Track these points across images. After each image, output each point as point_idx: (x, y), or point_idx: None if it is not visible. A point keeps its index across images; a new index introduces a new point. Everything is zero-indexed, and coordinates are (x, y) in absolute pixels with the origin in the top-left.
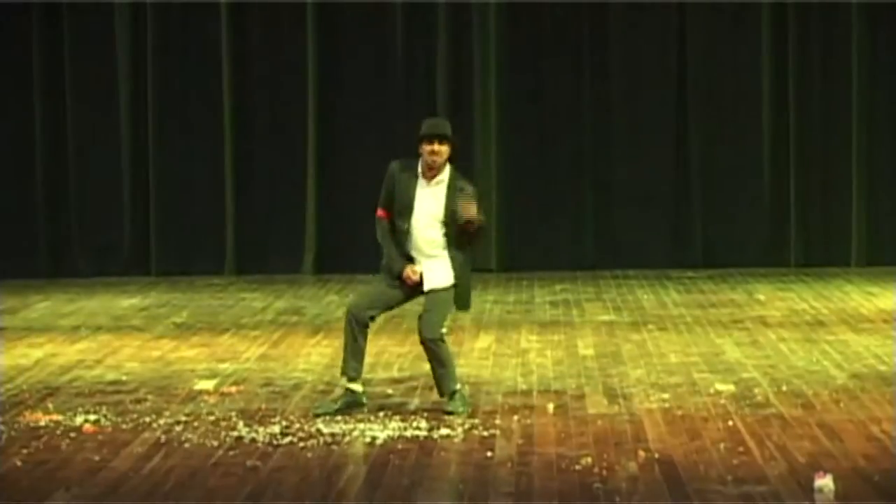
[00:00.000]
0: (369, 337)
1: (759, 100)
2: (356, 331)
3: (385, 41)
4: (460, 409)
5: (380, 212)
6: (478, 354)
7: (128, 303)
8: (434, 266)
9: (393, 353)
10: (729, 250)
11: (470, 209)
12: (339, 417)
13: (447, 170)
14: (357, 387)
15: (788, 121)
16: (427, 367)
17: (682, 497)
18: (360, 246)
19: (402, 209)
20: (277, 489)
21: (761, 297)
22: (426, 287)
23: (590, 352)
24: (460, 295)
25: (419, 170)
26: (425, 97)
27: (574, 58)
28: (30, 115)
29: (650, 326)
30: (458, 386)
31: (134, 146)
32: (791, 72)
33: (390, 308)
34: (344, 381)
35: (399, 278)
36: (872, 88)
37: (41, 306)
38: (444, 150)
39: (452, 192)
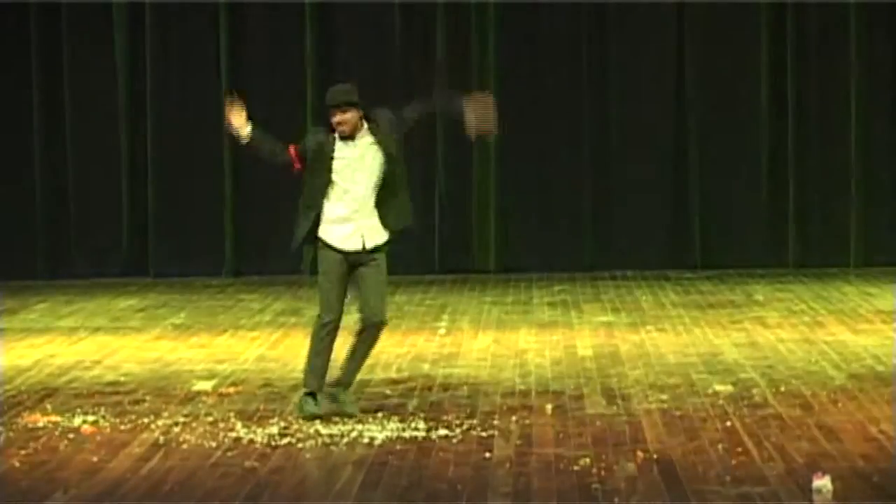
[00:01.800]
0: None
1: (757, 101)
2: (329, 339)
3: (383, 42)
4: (353, 409)
5: (291, 147)
6: (476, 355)
7: (126, 304)
8: (371, 224)
9: (391, 354)
10: (727, 251)
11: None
12: (336, 418)
13: (365, 128)
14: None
15: (787, 122)
16: (426, 367)
17: (680, 497)
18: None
19: (323, 174)
20: (276, 490)
21: (759, 298)
22: (368, 245)
23: (588, 352)
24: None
25: (335, 138)
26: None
27: (572, 60)
28: (28, 117)
29: (648, 327)
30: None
31: (132, 147)
32: (790, 73)
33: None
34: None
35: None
36: (870, 90)
37: (40, 307)
38: (351, 117)
39: (378, 141)
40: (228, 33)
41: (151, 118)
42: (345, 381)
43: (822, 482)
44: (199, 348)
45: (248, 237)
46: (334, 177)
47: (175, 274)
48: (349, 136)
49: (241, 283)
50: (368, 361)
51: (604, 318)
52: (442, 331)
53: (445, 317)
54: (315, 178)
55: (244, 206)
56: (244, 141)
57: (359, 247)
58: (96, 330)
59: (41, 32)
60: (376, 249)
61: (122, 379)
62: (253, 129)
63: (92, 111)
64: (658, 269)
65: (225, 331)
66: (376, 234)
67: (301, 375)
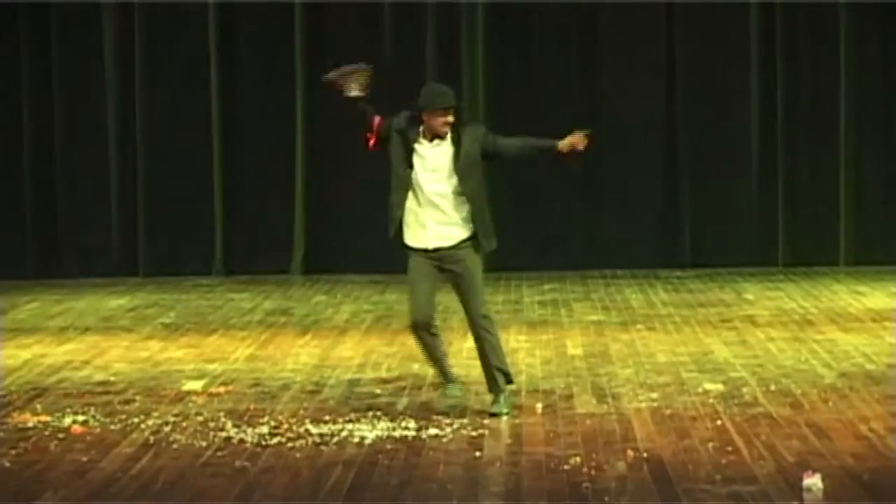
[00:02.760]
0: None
1: (747, 101)
2: (425, 338)
3: (373, 41)
4: (504, 410)
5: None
6: (467, 354)
7: (116, 303)
8: (439, 225)
9: (381, 354)
10: (717, 250)
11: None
12: (327, 417)
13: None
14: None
15: (777, 122)
16: (415, 367)
17: (670, 496)
18: (348, 246)
19: (403, 163)
20: (266, 489)
21: (750, 297)
22: (432, 246)
23: (578, 351)
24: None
25: (420, 132)
26: (413, 97)
27: (562, 59)
28: (18, 116)
29: (639, 326)
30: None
31: (122, 147)
32: (779, 73)
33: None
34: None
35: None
36: (860, 89)
37: (29, 307)
38: (452, 119)
39: (463, 142)
40: (218, 33)
41: (141, 118)
42: (492, 388)
43: (813, 480)
44: (189, 348)
45: (238, 237)
46: (414, 171)
47: (165, 273)
48: (438, 136)
49: (231, 282)
50: (358, 360)
51: (594, 318)
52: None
53: (435, 316)
54: (398, 166)
55: (234, 206)
56: (349, 95)
57: (427, 245)
58: (86, 330)
59: (30, 33)
60: (456, 248)
61: (112, 379)
62: (360, 100)
63: (81, 111)
64: (648, 269)
65: (215, 330)
66: (447, 238)
67: (290, 375)
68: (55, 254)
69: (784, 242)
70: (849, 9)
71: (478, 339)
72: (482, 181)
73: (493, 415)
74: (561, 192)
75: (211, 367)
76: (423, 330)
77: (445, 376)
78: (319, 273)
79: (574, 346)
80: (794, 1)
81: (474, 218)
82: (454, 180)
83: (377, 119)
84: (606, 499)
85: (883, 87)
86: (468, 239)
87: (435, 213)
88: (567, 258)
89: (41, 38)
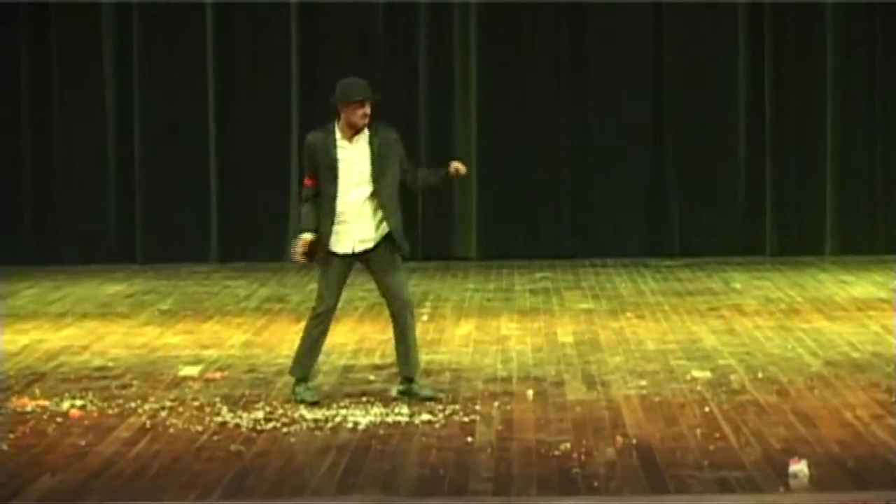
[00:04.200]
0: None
1: (735, 91)
2: (321, 328)
3: (366, 40)
4: (432, 393)
5: (306, 180)
6: (458, 342)
7: (113, 290)
8: (364, 227)
9: (374, 341)
10: (705, 239)
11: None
12: (321, 403)
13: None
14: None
15: (764, 112)
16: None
17: (658, 482)
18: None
19: (328, 173)
20: (261, 473)
21: (737, 286)
22: (366, 245)
23: (569, 339)
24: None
25: (336, 132)
26: (405, 94)
27: (552, 53)
28: (16, 104)
29: (628, 314)
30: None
31: (119, 134)
32: (767, 65)
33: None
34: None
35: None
36: (846, 82)
37: (28, 293)
38: (369, 111)
39: (378, 142)
40: (215, 31)
41: (138, 106)
42: (412, 372)
43: (799, 467)
44: (185, 334)
45: (234, 224)
46: (338, 179)
47: (162, 260)
48: (357, 132)
49: (227, 269)
50: (353, 347)
51: (584, 306)
52: (424, 317)
53: (428, 304)
54: (326, 182)
55: (230, 194)
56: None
57: (349, 251)
58: (84, 315)
59: (29, 25)
60: (375, 249)
61: (110, 364)
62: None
63: (80, 99)
64: (637, 257)
65: (211, 317)
66: (368, 239)
67: (285, 361)
68: (54, 240)
69: (771, 232)
70: (835, 8)
71: (402, 322)
72: (397, 184)
73: (431, 399)
74: (551, 182)
75: (207, 352)
76: (327, 320)
77: (307, 373)
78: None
79: (564, 334)
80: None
81: (390, 220)
82: (372, 181)
83: (307, 181)
84: (596, 484)
85: (869, 80)
86: (386, 239)
87: (359, 217)
88: (558, 247)
89: (40, 32)
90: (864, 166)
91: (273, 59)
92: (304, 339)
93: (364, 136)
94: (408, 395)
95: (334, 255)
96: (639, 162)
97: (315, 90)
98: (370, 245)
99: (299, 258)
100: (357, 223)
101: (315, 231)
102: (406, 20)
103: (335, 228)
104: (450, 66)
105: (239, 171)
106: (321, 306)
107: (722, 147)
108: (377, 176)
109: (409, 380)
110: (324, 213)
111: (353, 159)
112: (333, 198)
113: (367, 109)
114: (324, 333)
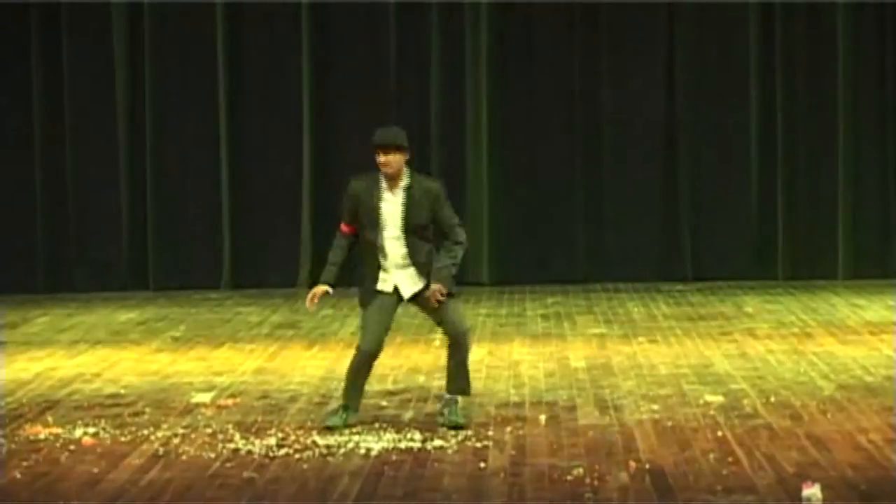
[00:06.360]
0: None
1: (747, 117)
2: (367, 366)
3: (377, 42)
4: (463, 421)
5: (342, 226)
6: (471, 367)
7: (126, 317)
8: (406, 276)
9: (387, 366)
10: (718, 263)
11: (439, 291)
12: (334, 430)
13: (406, 174)
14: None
15: (776, 136)
16: (421, 379)
17: None
18: (355, 260)
19: (369, 222)
20: (274, 500)
21: (749, 310)
22: (406, 295)
23: (581, 364)
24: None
25: (382, 181)
26: (416, 109)
27: (565, 74)
28: (29, 130)
29: (640, 339)
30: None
31: (131, 161)
32: (778, 87)
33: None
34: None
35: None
36: (857, 103)
37: (41, 321)
38: (394, 159)
39: (412, 194)
40: (226, 39)
41: (150, 132)
42: (460, 390)
43: (812, 491)
44: (197, 361)
45: (247, 250)
46: (380, 227)
47: (174, 287)
48: (394, 181)
49: (240, 295)
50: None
51: (596, 330)
52: (437, 343)
53: (440, 329)
54: (367, 229)
55: (242, 220)
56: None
57: (390, 290)
58: (96, 343)
59: (41, 40)
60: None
61: (123, 391)
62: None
63: (91, 125)
64: (650, 282)
65: (223, 343)
66: (412, 284)
67: (297, 387)
68: (66, 268)
69: (783, 256)
70: (846, 14)
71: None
72: (430, 232)
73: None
74: (563, 205)
75: (219, 379)
76: (372, 359)
77: (353, 403)
78: None
79: (577, 359)
80: (793, 1)
81: (424, 269)
82: (404, 231)
83: (343, 227)
84: None
85: (881, 101)
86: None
87: (399, 267)
88: (570, 272)
89: (52, 49)
90: (876, 190)
91: (285, 72)
92: (348, 371)
93: (401, 186)
94: (442, 416)
95: (379, 292)
96: (651, 187)
97: (328, 111)
98: (415, 290)
99: (310, 306)
100: (397, 272)
101: (333, 286)
102: (417, 22)
103: (381, 275)
104: (462, 90)
105: (251, 199)
106: (363, 344)
107: (734, 172)
108: (408, 227)
109: (451, 400)
110: (366, 257)
111: (390, 209)
112: (374, 245)
113: (385, 158)
114: (360, 372)
